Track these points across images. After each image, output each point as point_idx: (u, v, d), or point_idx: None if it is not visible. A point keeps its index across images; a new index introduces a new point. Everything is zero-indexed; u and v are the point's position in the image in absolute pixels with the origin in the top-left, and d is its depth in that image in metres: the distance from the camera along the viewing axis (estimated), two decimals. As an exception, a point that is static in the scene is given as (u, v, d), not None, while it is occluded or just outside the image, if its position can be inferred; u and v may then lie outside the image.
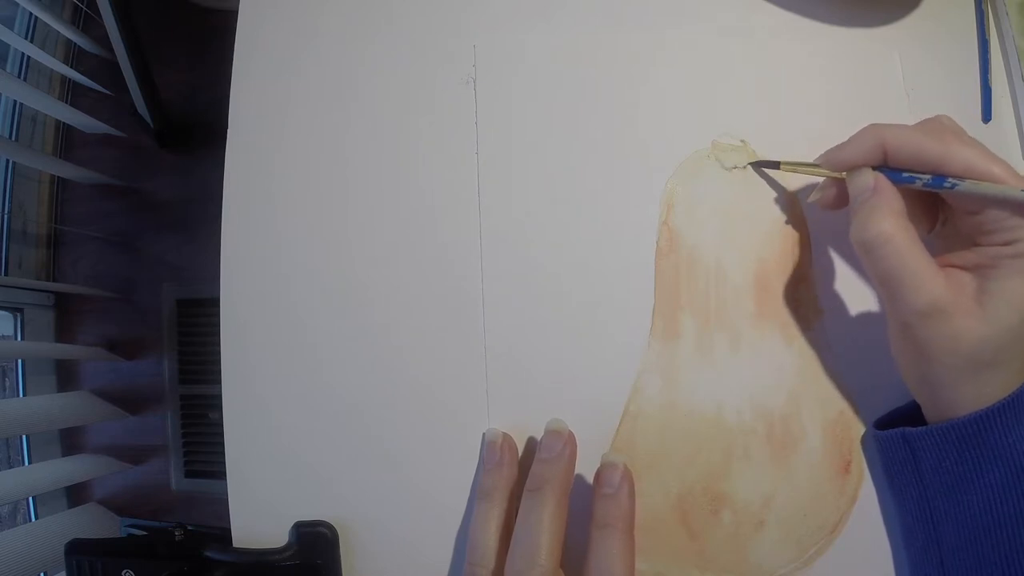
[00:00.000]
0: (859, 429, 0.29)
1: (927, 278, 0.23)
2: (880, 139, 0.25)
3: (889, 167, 0.26)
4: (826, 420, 0.29)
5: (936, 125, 0.25)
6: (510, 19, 0.33)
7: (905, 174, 0.25)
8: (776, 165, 0.30)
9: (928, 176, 0.25)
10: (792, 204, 0.31)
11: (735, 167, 0.31)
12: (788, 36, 0.32)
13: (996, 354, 0.23)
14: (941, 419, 0.26)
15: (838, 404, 0.29)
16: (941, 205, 0.28)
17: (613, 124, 0.32)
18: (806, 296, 0.30)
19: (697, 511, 0.29)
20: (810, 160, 0.28)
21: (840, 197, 0.28)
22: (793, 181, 0.31)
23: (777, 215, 0.31)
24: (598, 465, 0.27)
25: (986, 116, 0.32)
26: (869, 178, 0.25)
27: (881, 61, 0.32)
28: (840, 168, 0.27)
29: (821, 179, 0.28)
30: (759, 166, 0.31)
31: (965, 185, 0.24)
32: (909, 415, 0.28)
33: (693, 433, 0.29)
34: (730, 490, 0.29)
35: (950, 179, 0.24)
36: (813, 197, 0.29)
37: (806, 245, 0.30)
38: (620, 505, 0.26)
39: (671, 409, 0.29)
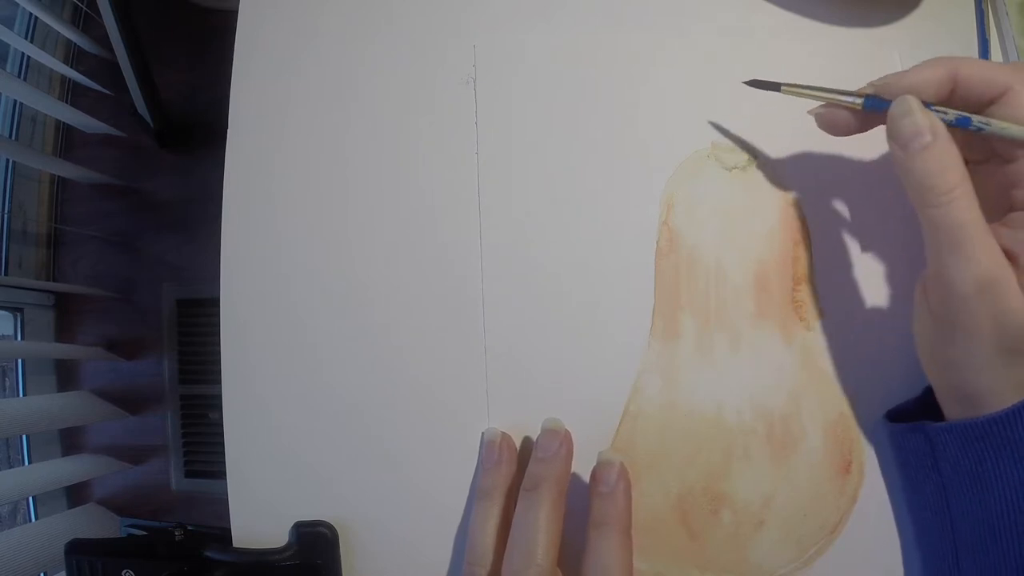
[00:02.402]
0: (859, 429, 0.29)
1: (989, 243, 0.22)
2: (952, 67, 0.23)
3: (946, 104, 0.24)
4: (826, 420, 0.29)
5: (1015, 63, 0.24)
6: (510, 19, 0.33)
7: (936, 108, 0.23)
8: (777, 87, 0.27)
9: (956, 113, 0.23)
10: (792, 204, 0.31)
11: (735, 167, 0.31)
12: (788, 36, 0.32)
13: None
14: (959, 408, 0.24)
15: (838, 404, 0.29)
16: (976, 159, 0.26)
17: (613, 124, 0.32)
18: (806, 296, 0.30)
19: (697, 511, 0.29)
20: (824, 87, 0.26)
21: (854, 126, 0.26)
22: (794, 181, 0.31)
23: (777, 215, 0.31)
24: (598, 465, 0.27)
25: (986, 116, 0.32)
26: (925, 120, 0.23)
27: (881, 61, 0.32)
28: (900, 95, 0.24)
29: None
30: (757, 85, 0.28)
31: (998, 125, 0.22)
32: (918, 409, 0.27)
33: (693, 433, 0.29)
34: (730, 490, 0.29)
35: (978, 119, 0.23)
36: (816, 111, 0.26)
37: (806, 245, 0.30)
38: (617, 504, 0.26)
39: (671, 409, 0.29)
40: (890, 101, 0.24)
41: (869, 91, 0.25)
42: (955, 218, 0.22)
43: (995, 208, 0.24)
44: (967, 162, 0.24)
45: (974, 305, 0.22)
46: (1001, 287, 0.22)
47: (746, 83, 0.28)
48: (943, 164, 0.22)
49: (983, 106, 0.24)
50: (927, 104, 0.24)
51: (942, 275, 0.23)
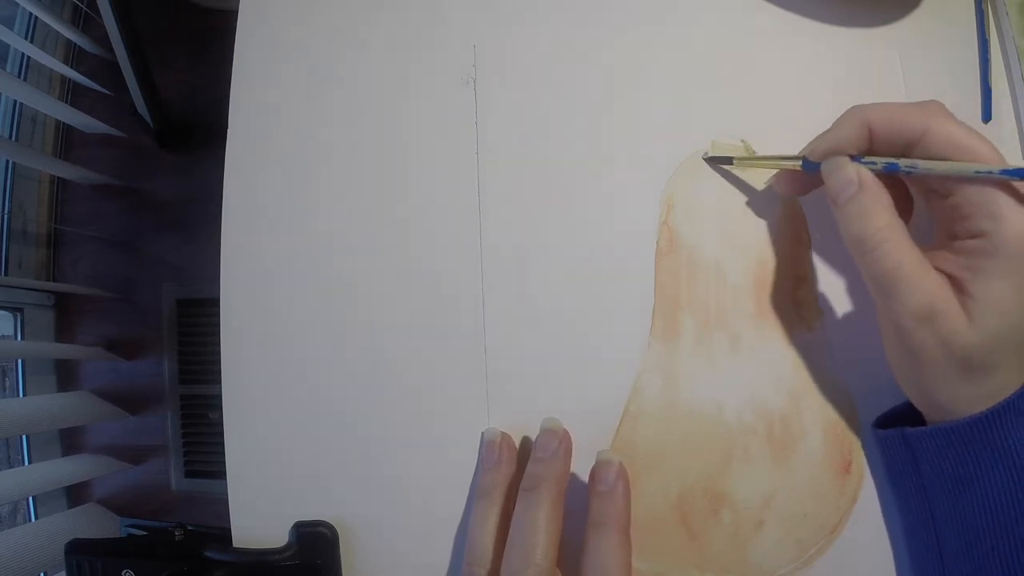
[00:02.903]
0: (859, 429, 0.29)
1: (922, 279, 0.23)
2: (864, 119, 0.25)
3: (872, 154, 0.25)
4: (826, 420, 0.29)
5: (923, 103, 0.25)
6: (510, 19, 0.33)
7: (864, 159, 0.25)
8: (730, 161, 0.30)
9: (883, 161, 0.24)
10: (792, 205, 0.31)
11: (735, 167, 0.31)
12: (788, 36, 0.32)
13: (986, 359, 0.23)
14: (937, 416, 0.25)
15: (838, 404, 0.29)
16: (918, 195, 0.27)
17: (613, 124, 0.32)
18: (806, 296, 0.30)
19: (697, 511, 0.29)
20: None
21: (806, 186, 0.28)
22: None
23: (777, 216, 0.31)
24: (598, 465, 0.27)
25: (986, 116, 0.32)
26: (851, 171, 0.25)
27: (881, 61, 0.32)
28: (826, 156, 0.26)
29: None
30: (713, 162, 0.31)
31: (924, 166, 0.24)
32: (910, 414, 0.28)
33: (693, 433, 0.29)
34: (730, 490, 0.29)
35: (905, 162, 0.24)
36: (768, 182, 0.29)
37: (806, 245, 0.30)
38: (615, 503, 0.26)
39: (671, 409, 0.29)
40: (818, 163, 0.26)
41: (804, 154, 0.27)
42: (886, 262, 0.23)
43: (944, 236, 0.25)
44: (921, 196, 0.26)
45: (920, 335, 0.23)
46: (940, 316, 0.23)
47: (704, 159, 0.31)
48: (869, 212, 0.24)
49: (907, 148, 0.25)
50: (856, 157, 0.25)
51: (885, 312, 0.25)
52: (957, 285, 0.24)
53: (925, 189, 0.26)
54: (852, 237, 0.25)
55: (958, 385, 0.24)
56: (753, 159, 0.30)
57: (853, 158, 0.25)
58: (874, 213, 0.24)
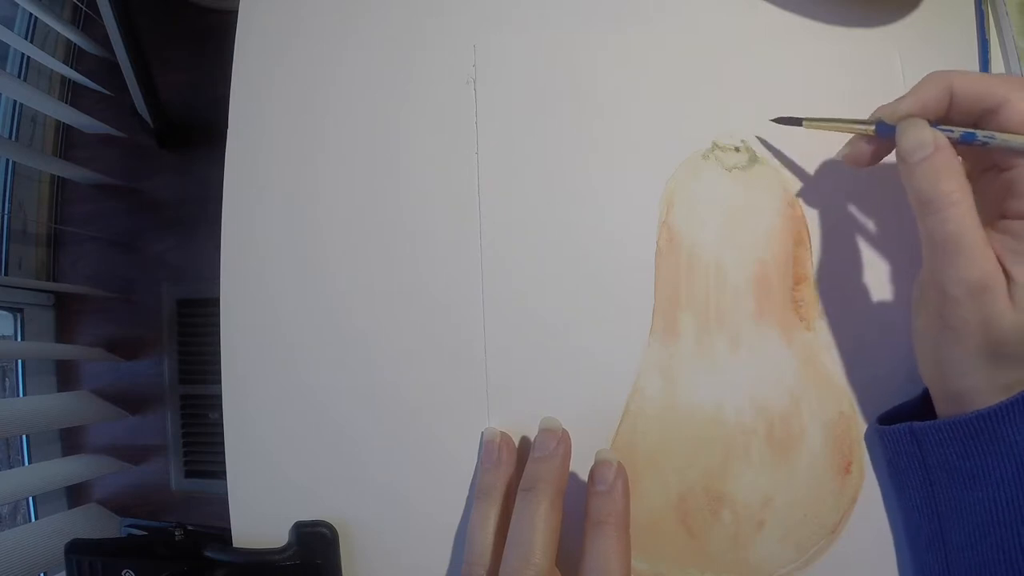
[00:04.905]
0: (859, 429, 0.29)
1: (983, 251, 0.23)
2: (947, 83, 0.24)
3: (945, 122, 0.25)
4: (826, 420, 0.29)
5: (1006, 76, 0.25)
6: (510, 19, 0.33)
7: (942, 127, 0.24)
8: (799, 122, 0.29)
9: (961, 130, 0.24)
10: (792, 204, 0.31)
11: (735, 167, 0.31)
12: (788, 36, 0.32)
13: (1019, 347, 0.23)
14: (949, 407, 0.25)
15: (838, 404, 0.29)
16: (975, 173, 0.27)
17: (613, 124, 0.32)
18: (806, 296, 0.30)
19: (697, 511, 0.29)
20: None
21: (875, 154, 0.27)
22: (794, 182, 0.31)
23: (777, 215, 0.31)
24: (598, 465, 0.27)
25: (986, 116, 0.32)
26: (927, 133, 0.24)
27: (881, 61, 0.32)
28: (904, 119, 0.25)
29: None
30: (781, 122, 0.29)
31: (1002, 138, 0.23)
32: (913, 411, 0.28)
33: (693, 433, 0.29)
34: (730, 490, 0.29)
35: (983, 133, 0.24)
36: (842, 152, 0.28)
37: (806, 245, 0.30)
38: (614, 502, 0.26)
39: (671, 409, 0.29)
40: (895, 125, 0.25)
41: (880, 116, 0.26)
42: (951, 227, 0.23)
43: (990, 214, 0.25)
44: (970, 174, 0.25)
45: (965, 309, 0.23)
46: (991, 293, 0.23)
47: (773, 120, 0.30)
48: (942, 174, 0.23)
49: (980, 118, 0.25)
50: (934, 124, 0.25)
51: (936, 279, 0.24)
52: (1005, 262, 0.23)
53: (985, 163, 0.26)
54: (921, 196, 0.24)
55: (984, 371, 0.23)
56: (825, 121, 0.28)
57: (931, 124, 0.25)
58: (947, 175, 0.23)
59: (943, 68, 0.32)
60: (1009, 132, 0.24)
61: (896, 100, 0.26)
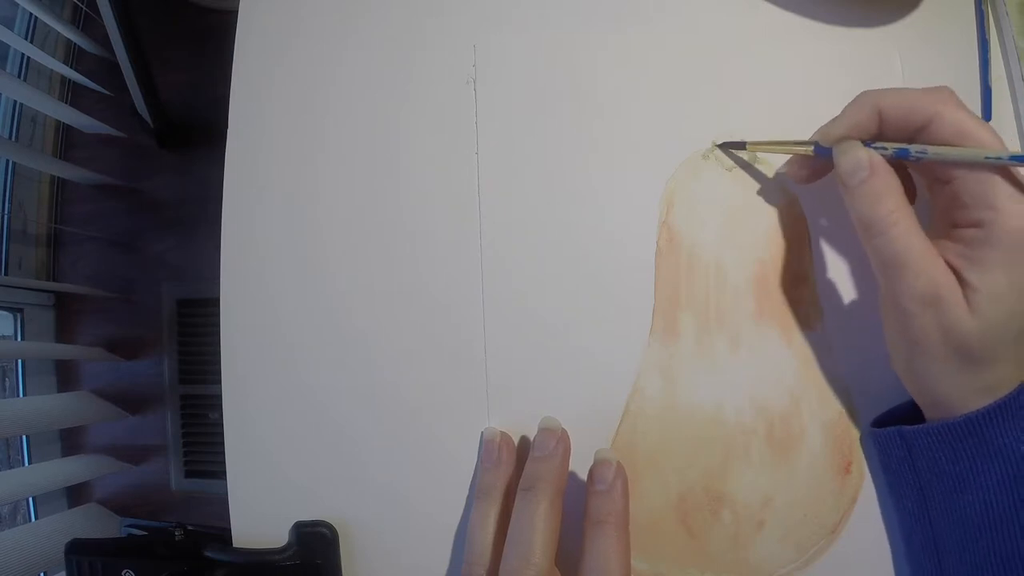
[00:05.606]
0: (859, 429, 0.29)
1: (929, 263, 0.23)
2: (875, 104, 0.25)
3: (880, 139, 0.25)
4: (826, 420, 0.29)
5: (933, 89, 0.25)
6: (510, 19, 0.33)
7: (875, 144, 0.25)
8: (742, 146, 0.30)
9: (894, 146, 0.25)
10: (792, 204, 0.31)
11: (735, 166, 0.31)
12: (788, 36, 0.32)
13: (985, 350, 0.23)
14: (935, 412, 0.25)
15: (838, 404, 0.29)
16: (921, 183, 0.27)
17: (613, 124, 0.32)
18: (806, 296, 0.30)
19: (697, 511, 0.29)
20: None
21: (815, 172, 0.28)
22: (793, 182, 0.31)
23: (777, 215, 0.31)
24: (598, 465, 0.27)
25: (986, 116, 0.32)
26: (863, 154, 0.25)
27: (881, 61, 0.32)
28: (838, 141, 0.26)
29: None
30: (726, 147, 0.31)
31: (935, 151, 0.24)
32: (907, 414, 0.28)
33: (693, 433, 0.29)
34: (730, 490, 0.29)
35: (915, 148, 0.24)
36: (782, 170, 0.29)
37: (806, 245, 0.30)
38: (614, 501, 0.26)
39: (671, 409, 0.29)
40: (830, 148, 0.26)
41: (815, 139, 0.27)
42: (896, 246, 0.24)
43: (944, 224, 0.25)
44: (929, 186, 0.26)
45: (922, 320, 0.24)
46: (944, 302, 0.23)
47: (719, 146, 0.31)
48: (881, 196, 0.24)
49: (913, 133, 0.25)
50: (867, 143, 0.25)
51: (890, 295, 0.25)
52: (956, 274, 0.24)
53: (928, 177, 0.26)
54: (862, 220, 0.25)
55: (956, 377, 0.24)
56: (765, 144, 0.30)
57: (864, 143, 0.25)
58: (884, 197, 0.24)
59: (943, 69, 0.32)
60: (941, 144, 0.24)
61: (829, 122, 0.27)
